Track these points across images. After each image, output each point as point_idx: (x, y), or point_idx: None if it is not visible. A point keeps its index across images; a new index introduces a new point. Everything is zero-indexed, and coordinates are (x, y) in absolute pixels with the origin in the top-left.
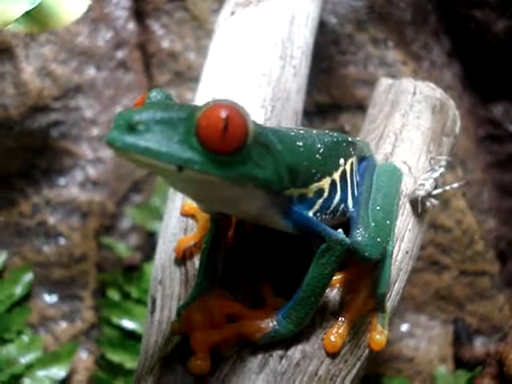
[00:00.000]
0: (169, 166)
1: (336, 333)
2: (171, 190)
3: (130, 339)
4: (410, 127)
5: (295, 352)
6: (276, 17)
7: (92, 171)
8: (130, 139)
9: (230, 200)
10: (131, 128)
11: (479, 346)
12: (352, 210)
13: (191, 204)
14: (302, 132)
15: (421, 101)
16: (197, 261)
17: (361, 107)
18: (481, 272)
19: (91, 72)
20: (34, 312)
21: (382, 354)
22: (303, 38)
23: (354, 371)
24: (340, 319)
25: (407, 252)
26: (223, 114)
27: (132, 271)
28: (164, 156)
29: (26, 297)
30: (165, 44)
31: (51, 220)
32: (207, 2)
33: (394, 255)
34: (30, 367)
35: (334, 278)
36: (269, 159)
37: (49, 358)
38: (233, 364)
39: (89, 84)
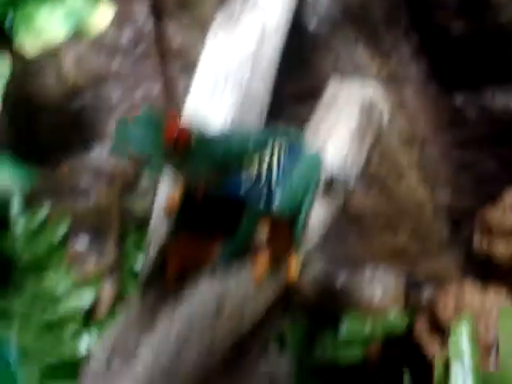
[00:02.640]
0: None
1: (261, 265)
2: None
3: None
4: (340, 125)
5: (231, 273)
6: (247, 35)
7: None
8: (122, 145)
9: (188, 177)
10: (123, 136)
11: (426, 295)
12: (275, 186)
13: None
14: (244, 131)
15: (352, 101)
16: None
17: None
18: (430, 234)
19: (116, 64)
20: (70, 252)
21: (344, 299)
22: (270, 49)
23: (279, 285)
24: (265, 257)
25: (322, 217)
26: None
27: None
28: (144, 149)
29: (63, 241)
30: (176, 41)
31: (84, 181)
32: (210, 8)
33: (314, 218)
34: (65, 293)
35: (264, 230)
36: (209, 151)
37: (81, 285)
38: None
39: (114, 74)
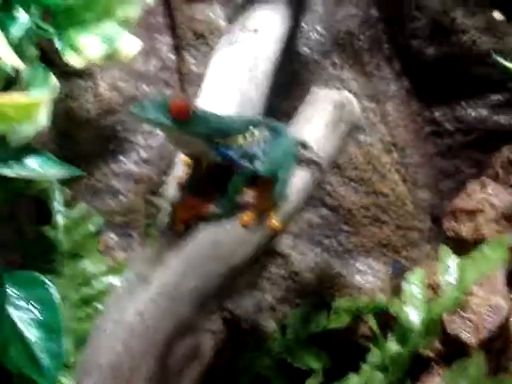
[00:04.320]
0: (158, 125)
1: (248, 215)
2: None
3: None
4: (316, 118)
5: (225, 223)
6: (246, 52)
7: (143, 153)
8: (141, 113)
9: (189, 144)
10: (142, 108)
11: None
12: (258, 154)
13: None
14: (233, 115)
15: (328, 101)
16: None
17: None
18: (412, 227)
19: (144, 87)
20: (102, 243)
21: (338, 284)
22: (265, 65)
23: (261, 238)
24: (252, 210)
25: (299, 186)
26: (180, 104)
27: None
28: (156, 121)
29: (97, 232)
30: (194, 68)
31: (115, 184)
32: None
33: (292, 188)
34: (97, 275)
35: (249, 190)
36: (205, 125)
37: (111, 271)
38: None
39: (142, 96)
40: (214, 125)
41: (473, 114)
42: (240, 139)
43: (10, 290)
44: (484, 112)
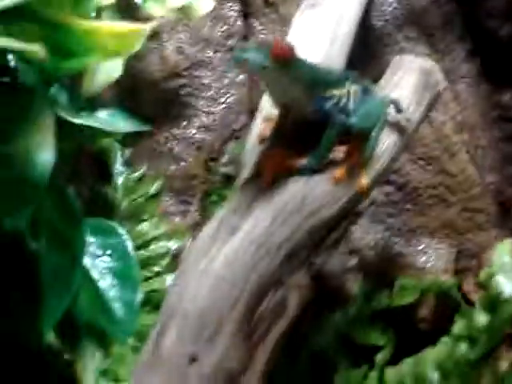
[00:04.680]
0: (257, 66)
1: (340, 171)
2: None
3: None
4: (403, 82)
5: (316, 177)
6: (329, 14)
7: (205, 119)
8: (241, 54)
9: (287, 90)
10: (242, 50)
11: (473, 263)
12: (352, 109)
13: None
14: (330, 68)
15: (413, 67)
16: None
17: None
18: (478, 210)
19: (210, 53)
20: (160, 206)
21: (400, 264)
22: (347, 27)
23: (350, 195)
24: (343, 166)
25: (388, 146)
26: (282, 46)
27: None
28: (256, 62)
29: (157, 195)
30: (262, 36)
31: (176, 148)
32: (292, 7)
33: (381, 147)
34: (155, 238)
35: (340, 147)
36: (306, 71)
37: (168, 235)
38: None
39: (208, 61)
40: (315, 74)
41: None
42: (338, 92)
43: (86, 238)
44: None
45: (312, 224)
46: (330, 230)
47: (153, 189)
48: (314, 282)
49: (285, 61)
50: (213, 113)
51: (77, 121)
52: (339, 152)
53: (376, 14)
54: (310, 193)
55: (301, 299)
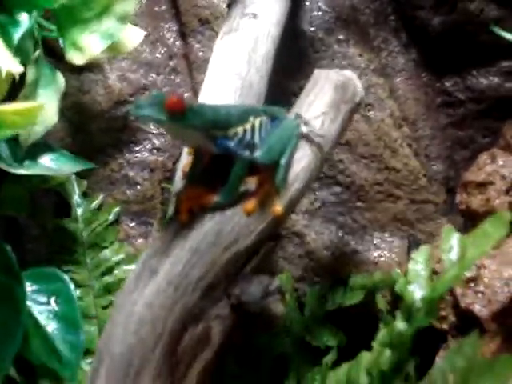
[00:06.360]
0: (155, 121)
1: (251, 203)
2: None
3: None
4: (317, 101)
5: (229, 211)
6: (246, 38)
7: (157, 142)
8: (138, 111)
9: (188, 137)
10: (139, 107)
11: None
12: (258, 142)
13: None
14: (231, 106)
15: (328, 82)
16: None
17: None
18: (426, 201)
19: (153, 76)
20: (121, 232)
21: (354, 260)
22: (264, 49)
23: (264, 225)
24: (255, 197)
25: (302, 168)
26: (174, 100)
27: None
28: (153, 118)
29: (116, 221)
30: (200, 54)
31: (131, 173)
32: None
33: (294, 170)
34: (118, 264)
35: (251, 178)
36: (203, 118)
37: (131, 259)
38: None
39: (151, 84)
40: (211, 118)
41: (484, 82)
42: (239, 130)
43: (30, 286)
44: (495, 79)
45: (227, 257)
46: (248, 260)
47: (111, 216)
48: (235, 310)
49: (179, 112)
50: (162, 134)
51: (20, 171)
52: (252, 184)
53: (306, 21)
54: (225, 227)
55: (223, 328)
